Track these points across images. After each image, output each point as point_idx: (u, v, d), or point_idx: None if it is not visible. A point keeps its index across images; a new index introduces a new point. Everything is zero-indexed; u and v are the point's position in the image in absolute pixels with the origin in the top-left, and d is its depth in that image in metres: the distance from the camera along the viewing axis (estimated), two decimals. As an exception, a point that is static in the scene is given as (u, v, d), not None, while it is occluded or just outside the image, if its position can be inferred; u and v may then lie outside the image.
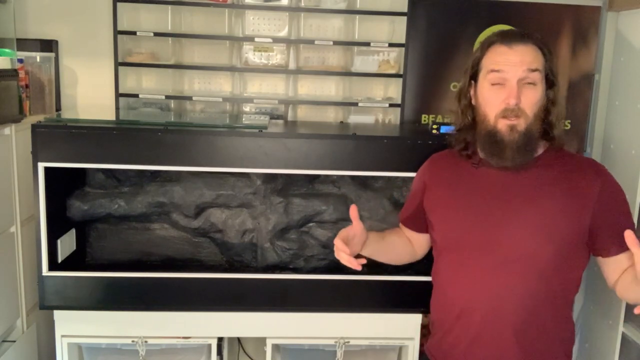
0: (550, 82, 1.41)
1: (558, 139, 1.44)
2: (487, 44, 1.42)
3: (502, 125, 1.38)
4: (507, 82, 1.36)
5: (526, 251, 1.37)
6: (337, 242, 1.39)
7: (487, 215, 1.43)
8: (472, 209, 1.45)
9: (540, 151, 1.45)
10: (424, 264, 2.08)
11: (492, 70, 1.39)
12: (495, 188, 1.44)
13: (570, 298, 1.48)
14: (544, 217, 1.38)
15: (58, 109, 2.26)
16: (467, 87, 1.48)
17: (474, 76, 1.46)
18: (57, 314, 1.87)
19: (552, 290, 1.40)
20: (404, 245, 1.68)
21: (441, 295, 1.56)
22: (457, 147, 1.52)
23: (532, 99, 1.37)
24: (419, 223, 1.63)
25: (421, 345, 1.75)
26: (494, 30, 1.45)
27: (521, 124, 1.37)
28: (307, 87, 2.39)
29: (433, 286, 1.61)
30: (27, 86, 2.12)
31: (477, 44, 1.52)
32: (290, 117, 2.36)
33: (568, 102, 2.27)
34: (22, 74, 2.06)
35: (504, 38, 1.40)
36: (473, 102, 1.47)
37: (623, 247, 1.31)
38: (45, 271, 1.79)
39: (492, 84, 1.39)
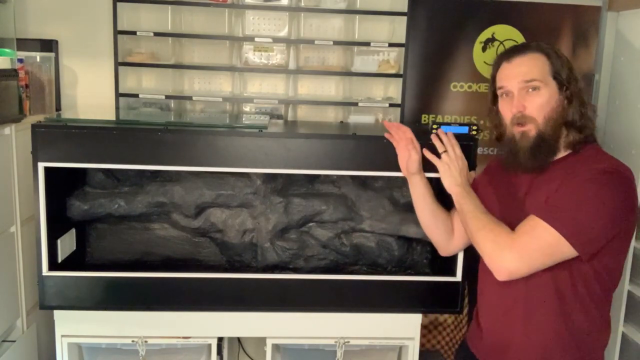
0: (560, 83, 1.43)
1: (580, 136, 1.43)
2: (496, 63, 1.54)
3: (517, 132, 1.47)
4: (510, 93, 1.47)
5: None
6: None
7: (502, 215, 1.50)
8: (495, 208, 1.55)
9: (563, 154, 1.46)
10: (424, 265, 2.08)
11: (499, 87, 1.51)
12: (514, 190, 1.52)
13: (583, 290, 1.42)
14: None
15: (58, 109, 2.26)
16: (491, 105, 1.59)
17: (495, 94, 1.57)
18: (57, 314, 1.87)
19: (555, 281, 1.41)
20: (445, 223, 1.72)
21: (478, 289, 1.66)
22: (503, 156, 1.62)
23: (537, 103, 1.43)
24: None
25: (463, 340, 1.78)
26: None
27: (532, 130, 1.43)
28: (307, 87, 2.39)
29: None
30: (27, 86, 2.12)
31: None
32: (290, 117, 2.36)
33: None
34: (22, 74, 2.06)
35: (505, 55, 1.51)
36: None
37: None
38: (45, 271, 1.79)
39: (502, 97, 1.51)
